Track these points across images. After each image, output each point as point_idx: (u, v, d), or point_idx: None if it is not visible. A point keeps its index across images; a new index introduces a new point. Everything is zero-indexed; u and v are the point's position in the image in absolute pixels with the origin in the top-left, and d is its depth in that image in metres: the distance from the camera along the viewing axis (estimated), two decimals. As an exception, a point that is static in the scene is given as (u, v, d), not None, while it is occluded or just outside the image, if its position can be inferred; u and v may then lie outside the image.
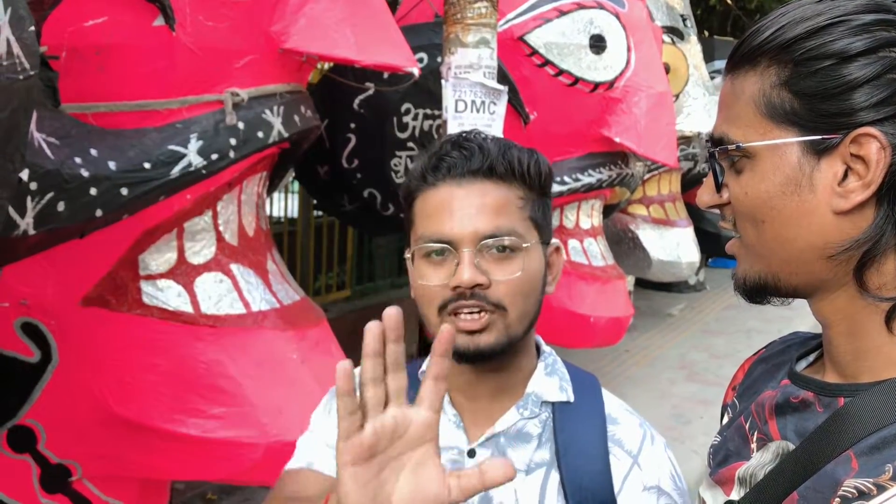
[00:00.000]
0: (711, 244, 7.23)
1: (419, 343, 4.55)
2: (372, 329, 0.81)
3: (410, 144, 3.57)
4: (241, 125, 2.26)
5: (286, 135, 2.41)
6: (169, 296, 2.32)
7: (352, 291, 5.81)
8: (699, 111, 5.67)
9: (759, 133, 0.78)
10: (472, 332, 1.02)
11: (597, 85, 3.90)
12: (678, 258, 5.89)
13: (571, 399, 1.10)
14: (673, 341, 6.47)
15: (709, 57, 6.60)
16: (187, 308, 2.34)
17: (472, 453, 1.08)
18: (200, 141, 2.16)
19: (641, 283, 7.42)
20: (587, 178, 4.00)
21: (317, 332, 2.63)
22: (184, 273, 2.35)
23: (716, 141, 0.83)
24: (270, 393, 2.36)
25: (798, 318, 7.50)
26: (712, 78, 6.78)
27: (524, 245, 1.05)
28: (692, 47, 5.86)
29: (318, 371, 2.50)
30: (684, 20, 5.87)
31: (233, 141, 2.24)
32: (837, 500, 0.70)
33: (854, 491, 0.69)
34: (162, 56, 2.08)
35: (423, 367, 1.16)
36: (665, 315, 7.30)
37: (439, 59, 3.30)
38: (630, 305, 4.41)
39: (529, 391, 1.10)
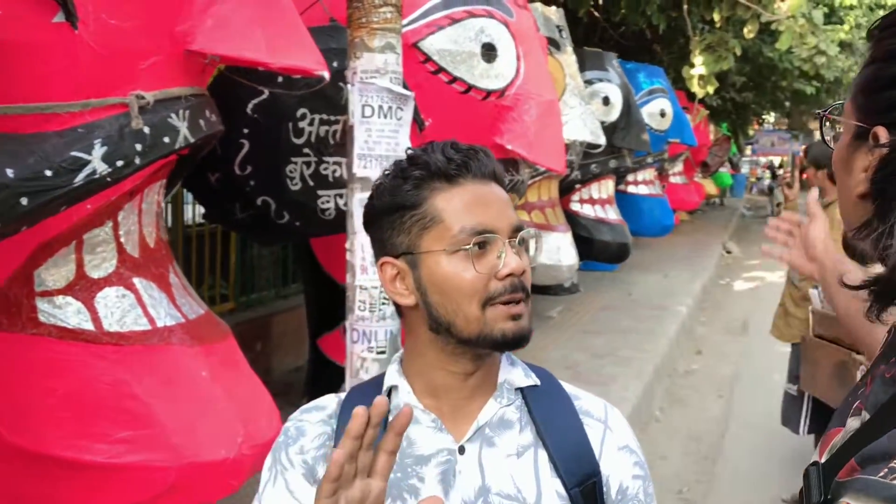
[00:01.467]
0: (584, 248, 7.49)
1: (312, 356, 4.45)
2: (359, 415, 0.89)
3: (306, 150, 3.49)
4: (146, 130, 2.13)
5: (192, 140, 2.29)
6: (67, 313, 2.16)
7: (236, 304, 5.61)
8: (575, 120, 5.84)
9: (846, 115, 0.86)
10: (516, 318, 1.07)
11: (489, 93, 3.95)
12: (559, 262, 6.06)
13: (538, 383, 1.17)
14: (555, 342, 6.63)
15: (579, 67, 6.83)
16: (88, 326, 2.18)
17: (462, 450, 1.11)
18: (105, 147, 2.02)
19: (520, 288, 7.57)
20: (481, 185, 4.04)
21: (224, 346, 2.52)
22: (83, 288, 2.20)
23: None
24: (181, 412, 2.24)
25: (668, 315, 7.87)
26: (584, 87, 7.03)
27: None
28: (568, 58, 6.05)
29: (228, 388, 2.40)
30: (560, 31, 6.05)
31: (138, 146, 2.11)
32: (886, 469, 0.72)
33: None
34: (63, 55, 1.93)
35: (389, 380, 1.17)
36: (546, 317, 7.48)
37: (335, 64, 3.25)
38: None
39: (501, 381, 1.15)
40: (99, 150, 2.00)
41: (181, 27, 2.19)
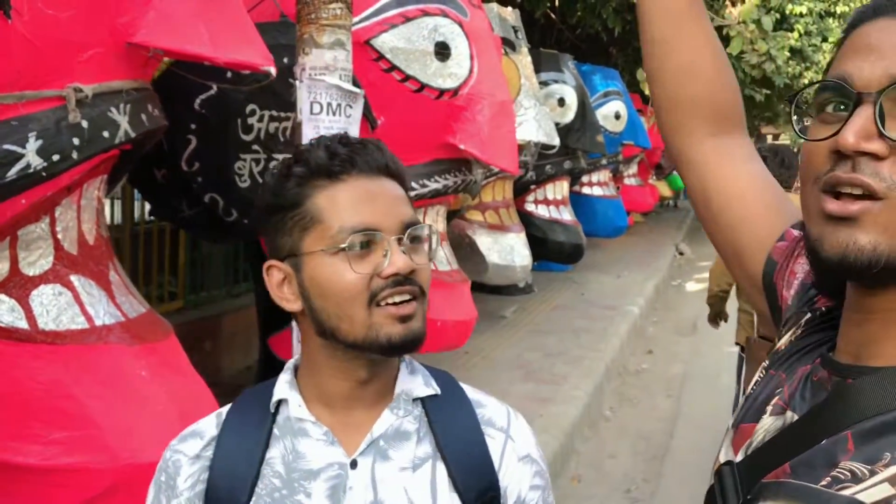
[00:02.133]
0: (538, 248, 7.53)
1: (262, 356, 4.40)
2: None
3: (255, 147, 3.45)
4: (84, 124, 2.08)
5: (133, 135, 2.24)
6: (1, 311, 2.10)
7: (185, 302, 5.52)
8: (530, 121, 5.86)
9: None
10: (405, 320, 1.02)
11: (442, 92, 3.94)
12: (513, 262, 6.08)
13: (438, 392, 1.12)
14: (508, 342, 6.66)
15: (535, 68, 6.86)
16: (22, 324, 2.12)
17: (354, 464, 1.06)
18: (40, 140, 1.96)
19: (474, 287, 7.58)
20: (433, 185, 4.03)
21: (165, 346, 2.48)
22: (18, 285, 2.13)
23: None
24: (118, 413, 2.19)
25: (620, 315, 7.95)
26: (540, 88, 7.06)
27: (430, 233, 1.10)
28: (524, 58, 6.07)
29: (169, 388, 2.35)
30: (516, 32, 6.07)
31: (76, 141, 2.06)
32: (829, 479, 0.70)
33: (847, 472, 0.69)
34: (-5, 45, 1.88)
35: (278, 393, 1.11)
36: (499, 317, 7.50)
37: (286, 60, 3.21)
38: (474, 309, 4.48)
39: (398, 391, 1.10)
40: (34, 144, 1.94)
41: (122, 19, 2.14)
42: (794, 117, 0.83)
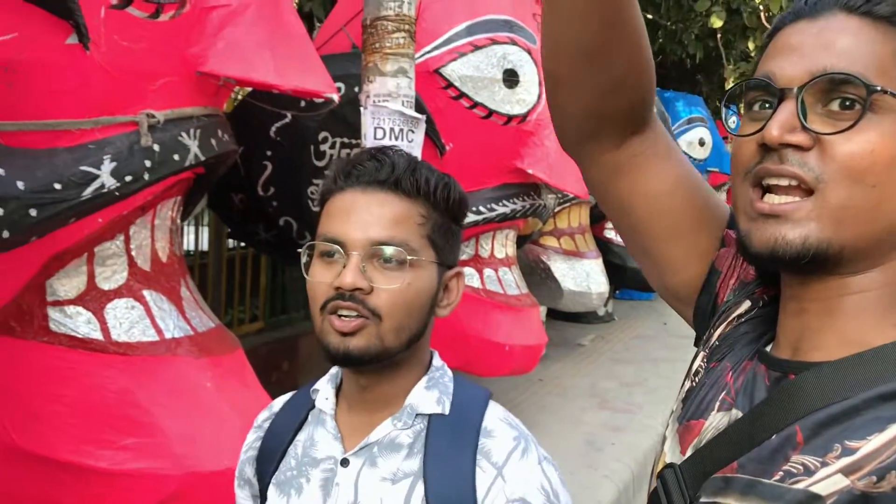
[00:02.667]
0: (618, 276, 7.45)
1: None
2: None
3: (328, 173, 3.56)
4: (156, 147, 2.22)
5: (203, 158, 2.38)
6: (78, 322, 2.25)
7: (265, 323, 5.71)
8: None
9: None
10: (344, 335, 1.03)
11: (510, 118, 3.99)
12: (588, 289, 6.05)
13: (446, 412, 1.11)
14: (584, 370, 6.59)
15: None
16: (97, 335, 2.26)
17: (345, 462, 1.10)
18: (114, 162, 2.11)
19: (552, 314, 7.56)
20: (501, 209, 4.07)
21: (231, 359, 2.59)
22: (94, 299, 2.28)
23: (838, 76, 0.75)
24: (184, 422, 2.30)
25: (693, 347, 7.75)
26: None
27: (413, 258, 1.06)
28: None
29: (233, 399, 2.45)
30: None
31: (147, 163, 2.20)
32: (781, 473, 0.71)
33: (800, 466, 0.70)
34: (75, 75, 2.04)
35: (317, 384, 1.19)
36: (576, 345, 7.43)
37: (356, 89, 3.32)
38: (544, 333, 4.48)
39: (407, 403, 1.11)
40: (108, 166, 2.09)
41: (193, 49, 2.29)
42: (724, 115, 0.85)
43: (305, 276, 1.08)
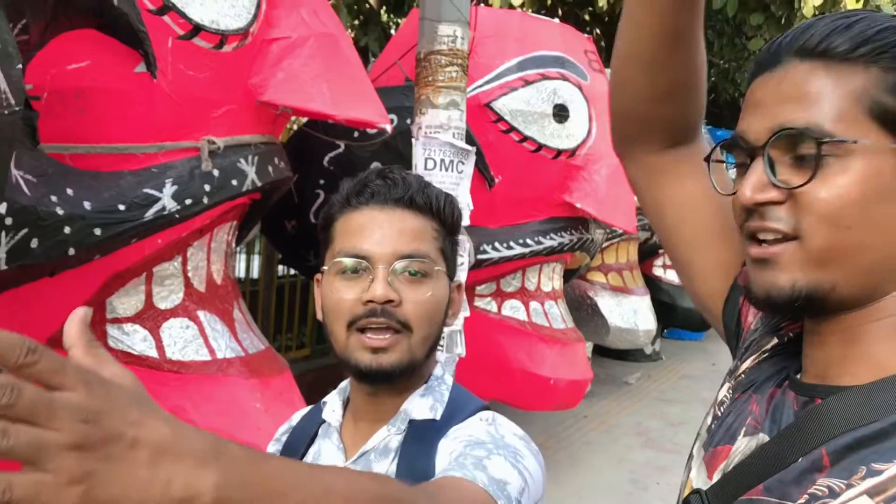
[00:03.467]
0: (667, 315, 7.37)
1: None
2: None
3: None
4: (216, 172, 2.30)
5: (259, 184, 2.45)
6: (134, 340, 2.32)
7: (311, 350, 5.79)
8: (656, 183, 5.84)
9: (861, 132, 0.75)
10: (376, 351, 1.05)
11: (559, 152, 4.03)
12: (635, 326, 6.00)
13: (437, 417, 1.10)
14: (630, 408, 6.51)
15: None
16: (152, 353, 2.34)
17: None
18: (175, 186, 2.19)
19: (599, 352, 7.50)
20: (549, 242, 4.09)
21: (280, 381, 2.64)
22: (150, 318, 2.35)
23: (790, 131, 0.76)
24: (233, 440, 2.35)
25: (751, 389, 7.62)
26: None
27: (436, 269, 1.10)
28: (650, 122, 6.08)
29: (280, 420, 2.49)
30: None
31: (207, 187, 2.28)
32: (806, 496, 0.71)
33: (825, 489, 0.70)
34: (142, 101, 2.13)
35: (327, 397, 1.19)
36: (622, 383, 7.36)
37: (409, 121, 3.40)
38: (589, 369, 4.46)
39: (402, 409, 1.11)
40: (169, 189, 2.17)
41: (253, 80, 2.38)
42: (710, 174, 0.89)
43: (333, 295, 1.07)
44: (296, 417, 1.27)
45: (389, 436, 1.10)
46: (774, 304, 0.79)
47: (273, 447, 1.25)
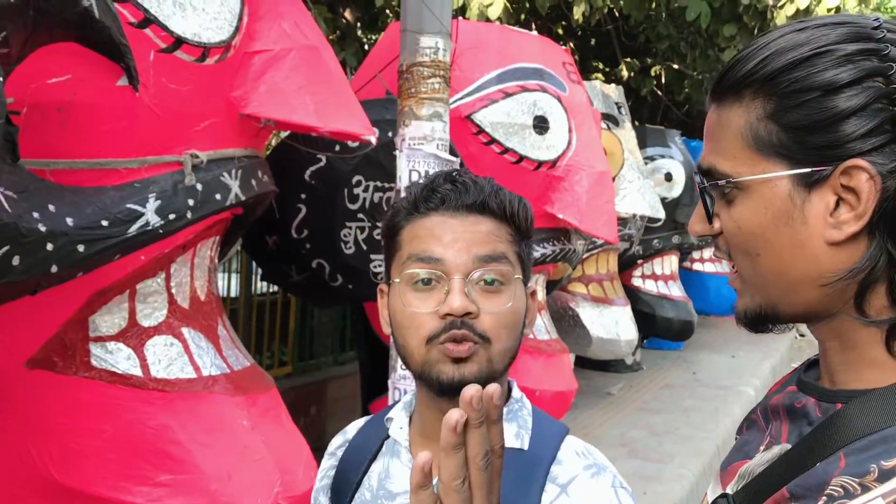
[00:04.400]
0: (647, 325, 7.39)
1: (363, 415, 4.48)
2: (448, 421, 0.67)
3: (361, 216, 3.62)
4: (199, 186, 2.27)
5: (243, 198, 2.43)
6: (118, 358, 2.28)
7: (293, 368, 5.73)
8: (634, 193, 5.88)
9: (748, 166, 0.79)
10: (458, 361, 1.01)
11: (540, 163, 4.03)
12: (617, 336, 6.00)
13: (525, 447, 1.07)
14: (613, 419, 6.51)
15: (641, 144, 6.89)
16: (136, 371, 2.29)
17: None
18: (159, 200, 2.16)
19: (580, 363, 7.50)
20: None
21: (266, 398, 2.60)
22: (134, 335, 2.31)
23: (704, 172, 0.83)
24: (220, 459, 2.31)
25: (733, 395, 7.65)
26: (646, 163, 7.08)
27: (515, 276, 1.05)
28: (627, 133, 6.12)
29: (268, 437, 2.46)
30: (619, 108, 6.15)
31: (191, 202, 2.25)
32: (824, 498, 0.71)
33: (840, 489, 0.70)
34: (124, 116, 2.10)
35: (391, 412, 1.15)
36: (604, 394, 7.36)
37: (390, 134, 3.39)
38: (574, 380, 4.45)
39: None
40: (153, 204, 2.14)
41: (236, 93, 2.35)
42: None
43: (408, 309, 1.03)
44: (351, 429, 1.22)
45: None
46: (746, 327, 0.87)
47: (328, 461, 1.21)
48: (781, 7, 5.99)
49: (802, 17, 5.98)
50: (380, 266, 3.68)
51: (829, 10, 5.96)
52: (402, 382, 2.90)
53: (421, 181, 1.13)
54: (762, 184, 0.78)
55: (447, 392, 1.03)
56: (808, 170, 0.76)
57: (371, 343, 4.49)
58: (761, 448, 0.86)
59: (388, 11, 6.31)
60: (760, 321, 0.84)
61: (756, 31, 6.58)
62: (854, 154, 0.74)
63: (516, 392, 1.15)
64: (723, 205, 0.83)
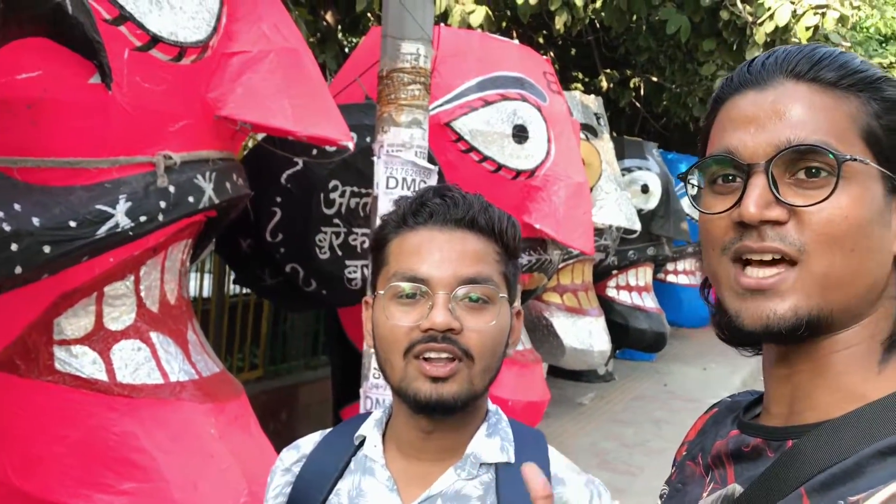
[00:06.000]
0: (619, 335, 7.41)
1: (334, 422, 4.43)
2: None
3: (336, 221, 3.57)
4: (171, 189, 2.22)
5: (217, 201, 2.38)
6: (83, 362, 2.22)
7: (264, 371, 5.66)
8: (611, 204, 5.89)
9: (858, 154, 0.76)
10: (436, 380, 1.00)
11: (518, 173, 4.02)
12: (591, 346, 6.00)
13: (512, 460, 1.07)
14: (584, 430, 6.51)
15: (619, 155, 6.92)
16: (102, 376, 2.24)
17: None
18: (129, 202, 2.11)
19: (552, 372, 7.50)
20: (508, 262, 4.07)
21: (235, 406, 2.55)
22: (101, 339, 2.26)
23: (803, 151, 0.75)
24: (185, 468, 2.26)
25: (703, 408, 7.68)
26: (623, 175, 7.10)
27: (500, 295, 1.04)
28: (605, 144, 6.13)
29: (235, 446, 2.41)
30: (598, 119, 6.16)
31: (162, 204, 2.20)
32: None
33: None
34: (96, 114, 2.05)
35: (362, 429, 1.13)
36: (576, 403, 7.37)
37: (368, 139, 3.35)
38: (547, 390, 4.44)
39: (469, 452, 1.07)
40: (123, 205, 2.09)
41: (212, 94, 2.31)
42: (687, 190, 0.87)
43: (389, 322, 1.02)
44: (305, 444, 1.18)
45: (460, 481, 1.04)
46: (774, 334, 0.76)
47: (283, 478, 1.16)
48: (761, 24, 6.03)
49: (781, 35, 6.04)
50: (354, 272, 3.64)
51: (807, 29, 6.02)
52: (374, 391, 2.87)
53: (410, 193, 1.13)
54: (866, 176, 0.75)
55: (424, 410, 1.02)
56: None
57: (344, 349, 4.45)
58: (704, 494, 0.84)
59: (369, 15, 6.27)
60: (809, 327, 0.75)
61: (735, 48, 6.63)
62: None
63: (491, 405, 1.14)
64: (805, 191, 0.75)
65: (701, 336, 11.53)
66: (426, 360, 1.00)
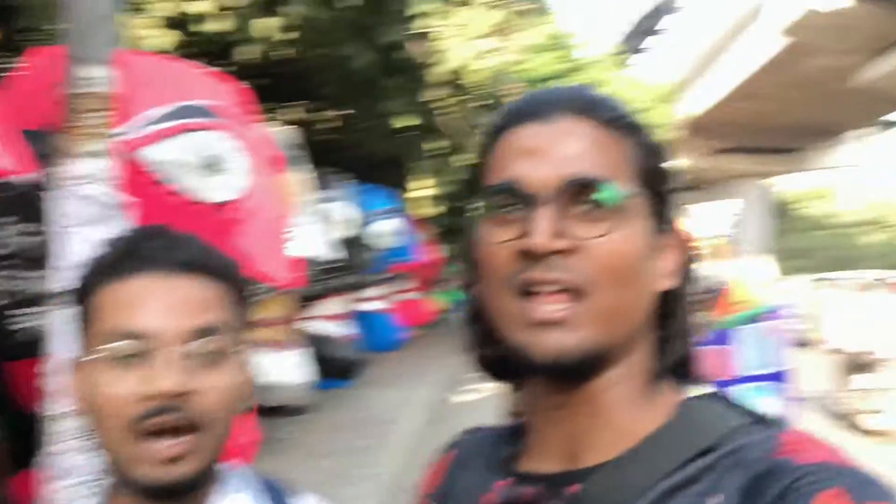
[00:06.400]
0: (317, 364, 7.42)
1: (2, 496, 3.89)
2: None
3: (4, 263, 3.16)
4: None
5: None
6: None
7: None
8: (309, 236, 5.91)
9: (633, 189, 0.79)
10: (169, 461, 0.88)
11: (214, 204, 3.85)
12: (291, 380, 5.94)
13: None
14: (283, 466, 6.38)
15: (315, 187, 6.99)
16: None
17: None
18: None
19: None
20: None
21: None
22: None
23: (584, 184, 0.76)
24: None
25: (404, 432, 7.91)
26: (320, 206, 7.16)
27: (233, 349, 0.95)
28: (301, 176, 6.15)
29: None
30: (295, 150, 6.15)
31: None
32: None
33: None
34: None
35: None
36: (276, 440, 7.21)
37: (45, 171, 3.01)
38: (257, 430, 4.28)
39: None
40: None
41: None
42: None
43: (104, 389, 0.89)
44: None
45: None
46: (564, 368, 0.75)
47: None
48: (436, 65, 6.43)
49: (458, 77, 6.50)
50: (23, 322, 3.24)
51: (475, 70, 6.52)
52: (55, 459, 2.55)
53: (116, 238, 0.99)
54: (644, 215, 0.79)
55: (154, 496, 0.90)
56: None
57: (13, 411, 3.92)
58: None
59: (33, 30, 5.66)
60: (588, 364, 0.76)
61: (414, 86, 6.99)
62: None
63: (227, 465, 1.04)
64: (586, 223, 0.75)
65: (395, 359, 11.92)
66: (152, 439, 0.88)
